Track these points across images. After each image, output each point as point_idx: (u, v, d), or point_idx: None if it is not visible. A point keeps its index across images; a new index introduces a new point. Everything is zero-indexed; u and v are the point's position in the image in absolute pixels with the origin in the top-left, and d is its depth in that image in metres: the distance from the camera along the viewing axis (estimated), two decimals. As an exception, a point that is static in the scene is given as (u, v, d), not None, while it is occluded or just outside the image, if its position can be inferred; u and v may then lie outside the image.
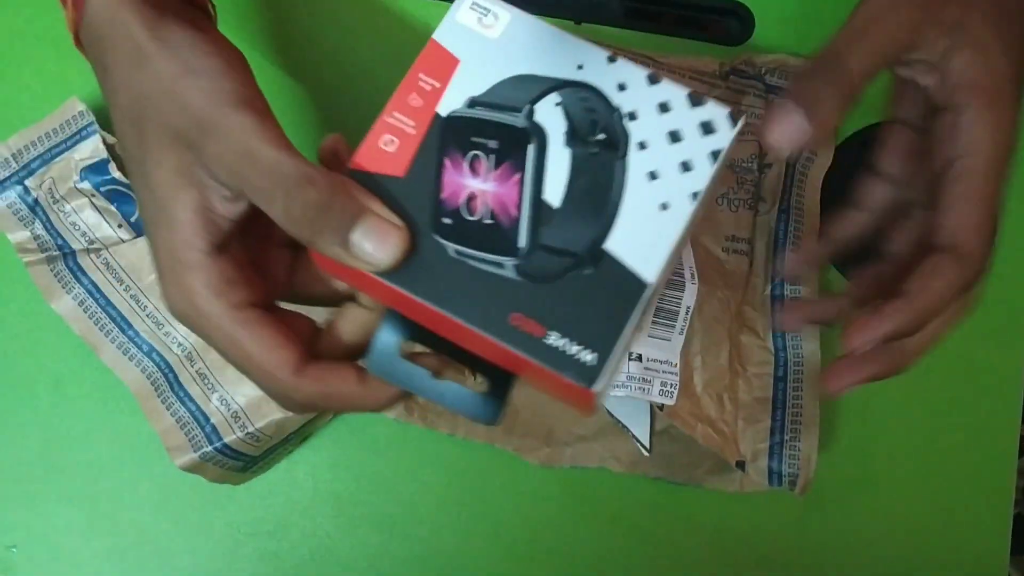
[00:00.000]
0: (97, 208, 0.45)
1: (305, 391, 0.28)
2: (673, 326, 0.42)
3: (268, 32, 0.49)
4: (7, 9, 0.48)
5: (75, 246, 0.45)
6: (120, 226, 0.45)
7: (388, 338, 0.28)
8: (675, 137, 0.27)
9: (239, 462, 0.43)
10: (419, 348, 0.29)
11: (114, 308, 0.44)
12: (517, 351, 0.26)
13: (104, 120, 0.45)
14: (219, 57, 0.28)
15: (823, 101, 0.29)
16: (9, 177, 0.45)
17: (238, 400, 0.43)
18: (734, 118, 0.27)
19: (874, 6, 0.30)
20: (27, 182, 0.45)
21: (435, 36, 0.29)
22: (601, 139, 0.27)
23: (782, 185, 0.48)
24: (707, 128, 0.27)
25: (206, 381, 0.43)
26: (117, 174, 0.44)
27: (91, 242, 0.45)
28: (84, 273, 0.45)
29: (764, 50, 0.49)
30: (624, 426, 0.43)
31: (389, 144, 0.28)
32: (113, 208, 0.45)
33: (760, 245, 0.47)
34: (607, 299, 0.26)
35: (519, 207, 0.27)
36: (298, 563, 0.46)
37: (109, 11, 0.29)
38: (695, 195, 0.27)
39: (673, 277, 0.42)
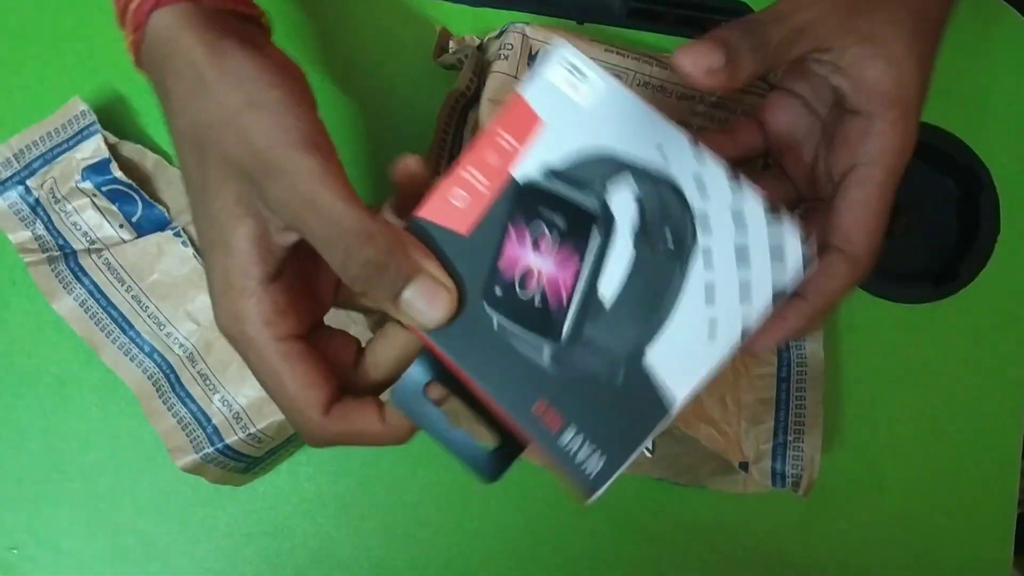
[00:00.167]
0: (99, 208, 0.44)
1: (330, 430, 0.29)
2: None
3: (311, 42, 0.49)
4: (8, 9, 0.48)
5: (76, 246, 0.45)
6: (122, 226, 0.44)
7: (417, 375, 0.29)
8: (742, 257, 0.27)
9: (240, 463, 0.43)
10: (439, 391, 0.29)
11: (115, 308, 0.44)
12: (534, 438, 0.26)
13: (105, 119, 0.45)
14: (282, 89, 0.28)
15: (742, 53, 0.30)
16: (11, 177, 0.45)
17: (240, 401, 0.42)
18: (807, 259, 0.26)
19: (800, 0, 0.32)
20: (29, 182, 0.45)
21: (521, 91, 0.28)
22: (668, 247, 0.27)
23: None
24: (777, 254, 0.26)
25: (207, 382, 0.43)
26: (119, 174, 0.44)
27: (92, 242, 0.45)
28: (85, 273, 0.44)
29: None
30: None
31: (459, 199, 0.28)
32: (115, 208, 0.44)
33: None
34: (631, 410, 0.26)
35: (571, 296, 0.27)
36: (300, 564, 0.46)
37: (170, 33, 0.29)
38: (745, 333, 0.26)
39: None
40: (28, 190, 0.45)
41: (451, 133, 0.45)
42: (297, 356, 0.28)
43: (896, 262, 0.49)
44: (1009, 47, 0.51)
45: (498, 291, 0.27)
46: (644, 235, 0.27)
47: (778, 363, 0.46)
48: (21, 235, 0.45)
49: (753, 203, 0.27)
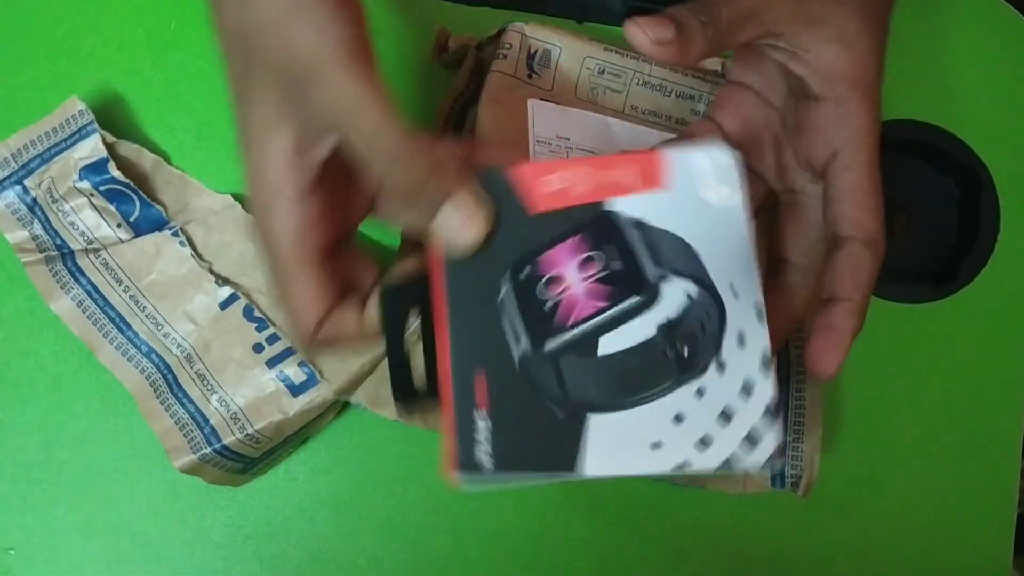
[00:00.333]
0: (96, 208, 0.44)
1: (317, 339, 0.30)
2: None
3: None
4: (5, 8, 0.48)
5: (74, 246, 0.45)
6: (119, 226, 0.44)
7: (407, 283, 0.29)
8: (725, 418, 0.27)
9: (238, 464, 0.43)
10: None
11: (113, 309, 0.44)
12: (453, 398, 0.27)
13: (102, 118, 0.45)
14: None
15: (692, 29, 0.31)
16: (8, 177, 0.45)
17: (237, 401, 0.42)
18: (774, 462, 0.27)
19: None
20: (26, 182, 0.45)
21: (668, 152, 0.29)
22: (679, 356, 0.27)
23: None
24: (752, 441, 0.27)
25: (205, 382, 0.43)
26: (116, 173, 0.44)
27: (90, 242, 0.44)
28: (83, 273, 0.44)
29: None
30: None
31: (555, 183, 0.28)
32: (112, 208, 0.44)
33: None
34: (545, 447, 0.26)
35: (577, 324, 0.27)
36: (298, 565, 0.45)
37: None
38: (678, 468, 0.27)
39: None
40: (25, 190, 0.45)
41: (450, 132, 0.45)
42: (313, 270, 0.29)
43: (896, 262, 0.49)
44: (1009, 47, 0.51)
45: (524, 274, 0.27)
46: (669, 331, 0.27)
47: (777, 363, 0.46)
48: (18, 235, 0.45)
49: (764, 390, 0.27)
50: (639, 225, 0.28)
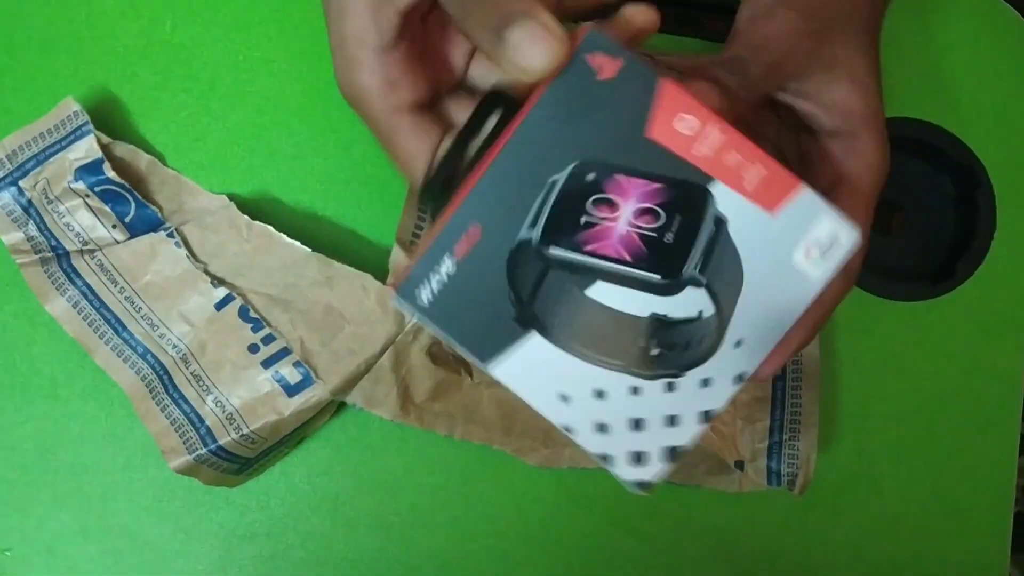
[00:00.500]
0: (91, 208, 0.44)
1: (429, 187, 0.30)
2: None
3: (311, 40, 0.49)
4: (1, 10, 0.48)
5: (69, 247, 0.44)
6: (115, 227, 0.44)
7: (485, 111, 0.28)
8: (637, 425, 0.27)
9: (234, 464, 0.43)
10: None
11: (108, 310, 0.44)
12: (440, 228, 0.26)
13: (98, 119, 0.45)
14: None
15: (734, 92, 0.30)
16: (3, 178, 0.45)
17: (233, 402, 0.42)
18: (641, 487, 0.28)
19: (773, 27, 0.32)
20: (21, 183, 0.45)
21: (807, 189, 0.26)
22: (645, 351, 0.26)
23: None
24: (639, 460, 0.28)
25: (201, 383, 0.43)
26: (112, 174, 0.44)
27: (85, 243, 0.44)
28: (78, 275, 0.44)
29: (762, 48, 0.49)
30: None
31: (688, 128, 0.26)
32: (108, 208, 0.44)
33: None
34: (480, 326, 0.26)
35: (589, 254, 0.26)
36: (294, 566, 0.45)
37: None
38: (569, 430, 0.27)
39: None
40: (20, 191, 0.45)
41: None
42: (408, 126, 0.29)
43: (892, 260, 0.49)
44: (1009, 46, 0.51)
45: (590, 177, 0.26)
46: (656, 325, 0.26)
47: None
48: (13, 236, 0.45)
49: (683, 434, 0.27)
50: (719, 223, 0.26)
